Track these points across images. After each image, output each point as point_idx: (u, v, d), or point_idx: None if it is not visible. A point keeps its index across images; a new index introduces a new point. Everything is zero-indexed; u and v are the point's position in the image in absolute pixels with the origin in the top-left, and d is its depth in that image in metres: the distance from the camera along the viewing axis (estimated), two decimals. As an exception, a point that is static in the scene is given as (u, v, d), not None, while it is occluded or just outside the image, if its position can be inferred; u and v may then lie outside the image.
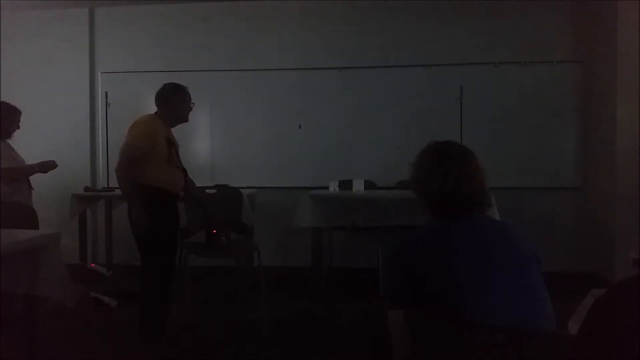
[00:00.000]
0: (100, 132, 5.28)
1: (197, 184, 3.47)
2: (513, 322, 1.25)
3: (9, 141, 3.47)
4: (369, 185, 4.64)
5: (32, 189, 3.55)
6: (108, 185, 5.09)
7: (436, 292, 1.33)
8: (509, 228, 1.46)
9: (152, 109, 3.12)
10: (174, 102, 3.09)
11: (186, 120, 3.21)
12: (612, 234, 4.34)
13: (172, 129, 3.18)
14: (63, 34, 5.26)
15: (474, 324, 1.25)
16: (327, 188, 4.50)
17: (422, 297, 1.34)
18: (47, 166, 3.51)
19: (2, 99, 3.50)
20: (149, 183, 2.92)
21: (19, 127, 3.49)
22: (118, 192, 3.29)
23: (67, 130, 5.17)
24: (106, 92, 5.23)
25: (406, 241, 1.46)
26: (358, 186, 4.48)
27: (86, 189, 4.81)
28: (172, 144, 3.08)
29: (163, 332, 3.03)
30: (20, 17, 5.20)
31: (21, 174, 3.41)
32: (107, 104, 5.22)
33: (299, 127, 5.04)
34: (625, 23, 4.24)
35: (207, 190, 4.03)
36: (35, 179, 3.60)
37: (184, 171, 3.18)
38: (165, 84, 3.15)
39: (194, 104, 3.22)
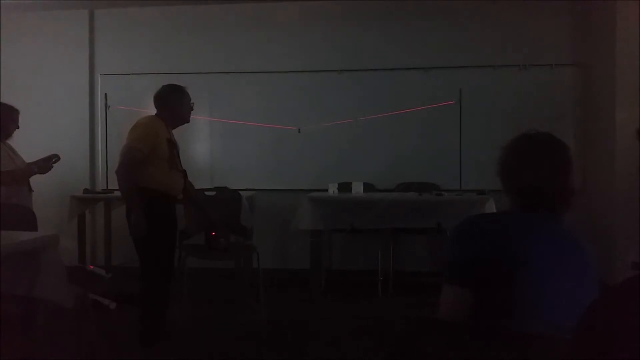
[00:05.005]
0: (99, 134, 5.27)
1: (197, 186, 3.47)
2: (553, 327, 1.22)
3: (9, 141, 3.47)
4: (368, 187, 4.63)
5: (31, 190, 3.54)
6: (107, 187, 5.08)
7: (492, 284, 1.30)
8: (578, 235, 1.41)
9: (152, 111, 3.12)
10: (173, 102, 3.09)
11: (187, 121, 3.20)
12: (611, 237, 4.33)
13: (172, 131, 3.18)
14: (63, 35, 5.25)
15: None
16: (327, 190, 4.50)
17: (478, 281, 1.31)
18: (46, 166, 3.46)
19: (1, 100, 3.49)
20: (149, 185, 2.92)
21: (18, 127, 3.48)
22: (117, 194, 3.29)
23: (66, 132, 5.15)
24: (106, 94, 5.23)
25: (481, 222, 1.42)
26: (357, 189, 4.48)
27: (85, 190, 4.81)
28: (173, 146, 3.07)
29: (161, 334, 3.03)
30: (20, 18, 5.20)
31: (21, 176, 3.40)
32: (106, 106, 5.22)
33: (299, 132, 5.03)
34: (625, 25, 4.24)
35: (206, 193, 4.02)
36: (34, 180, 3.59)
37: (184, 173, 3.18)
38: (163, 85, 3.15)
39: (193, 103, 3.21)
